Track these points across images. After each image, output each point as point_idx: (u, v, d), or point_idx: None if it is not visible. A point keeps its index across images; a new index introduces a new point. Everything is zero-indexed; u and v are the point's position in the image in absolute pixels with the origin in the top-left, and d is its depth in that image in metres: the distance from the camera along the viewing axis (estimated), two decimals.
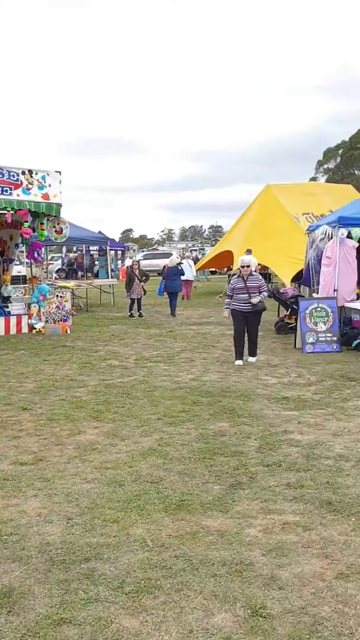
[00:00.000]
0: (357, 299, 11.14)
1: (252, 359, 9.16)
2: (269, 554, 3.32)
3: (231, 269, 21.88)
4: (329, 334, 10.43)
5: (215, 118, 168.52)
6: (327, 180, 54.61)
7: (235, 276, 9.25)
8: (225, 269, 26.48)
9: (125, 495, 4.15)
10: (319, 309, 10.55)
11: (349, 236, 10.47)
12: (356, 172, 59.90)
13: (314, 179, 56.50)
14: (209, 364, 9.09)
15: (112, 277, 22.21)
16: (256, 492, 4.19)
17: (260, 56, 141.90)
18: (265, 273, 23.17)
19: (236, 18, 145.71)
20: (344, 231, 10.42)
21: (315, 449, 5.08)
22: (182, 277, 17.19)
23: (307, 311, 10.52)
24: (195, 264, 25.97)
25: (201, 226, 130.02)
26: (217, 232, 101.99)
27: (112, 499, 4.09)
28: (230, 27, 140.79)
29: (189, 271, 21.09)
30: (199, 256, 37.00)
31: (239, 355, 9.06)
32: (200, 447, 5.15)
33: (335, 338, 10.41)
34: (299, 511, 3.85)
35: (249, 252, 21.27)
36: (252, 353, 9.27)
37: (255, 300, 8.88)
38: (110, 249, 22.78)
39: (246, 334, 9.14)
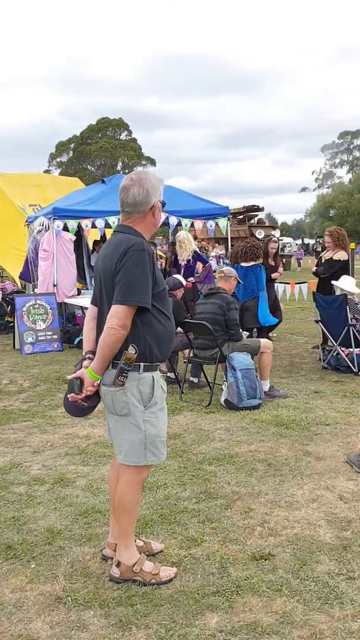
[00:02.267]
0: (78, 294, 10.80)
1: None
2: None
3: None
4: (49, 332, 9.85)
5: None
6: (61, 174, 54.30)
7: None
8: None
9: None
10: (37, 305, 9.88)
11: (65, 228, 10.00)
12: (89, 167, 60.92)
13: (47, 171, 55.61)
14: None
15: None
16: None
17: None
18: None
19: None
20: (59, 223, 9.90)
21: (9, 474, 4.37)
22: None
23: (24, 309, 9.77)
24: None
25: None
26: None
27: None
28: None
29: None
30: None
31: None
32: None
33: (56, 336, 9.88)
34: None
35: None
36: None
37: None
38: None
39: None
